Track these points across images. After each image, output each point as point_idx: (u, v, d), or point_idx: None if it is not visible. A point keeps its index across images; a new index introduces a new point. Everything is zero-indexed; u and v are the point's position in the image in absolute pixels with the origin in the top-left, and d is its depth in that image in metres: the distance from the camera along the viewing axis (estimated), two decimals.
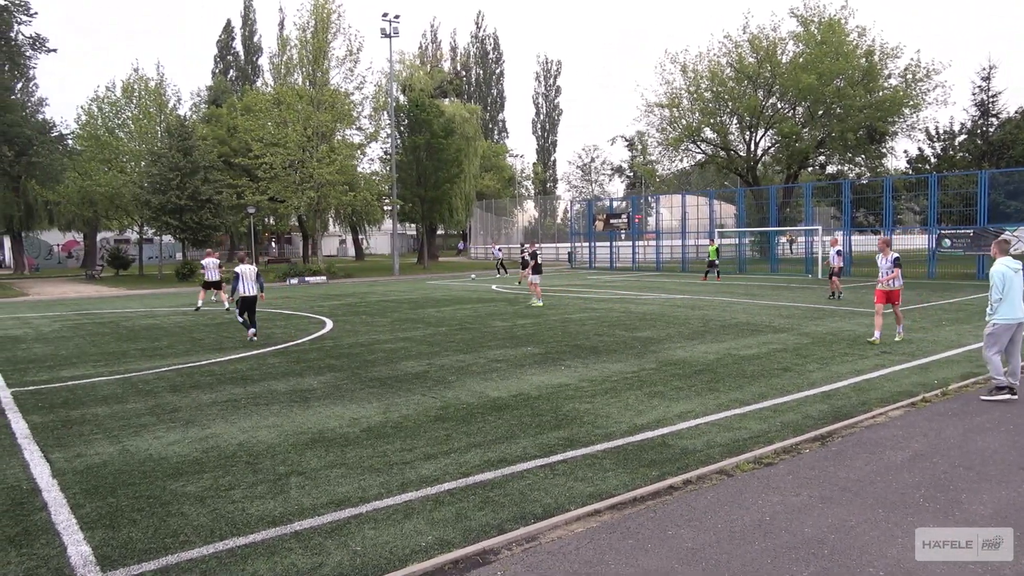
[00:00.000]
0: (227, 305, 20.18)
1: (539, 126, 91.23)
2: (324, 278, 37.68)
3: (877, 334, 12.40)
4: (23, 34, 37.75)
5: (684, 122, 43.65)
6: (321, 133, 40.23)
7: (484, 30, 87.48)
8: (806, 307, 18.47)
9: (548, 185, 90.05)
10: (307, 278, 37.27)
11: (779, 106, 42.20)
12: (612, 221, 44.41)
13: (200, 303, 21.91)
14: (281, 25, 70.18)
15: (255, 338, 14.22)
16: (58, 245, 61.90)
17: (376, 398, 8.92)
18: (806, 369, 10.18)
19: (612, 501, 5.36)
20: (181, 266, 39.61)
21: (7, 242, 58.35)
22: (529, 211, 74.68)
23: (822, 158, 44.38)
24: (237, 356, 12.46)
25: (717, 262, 30.86)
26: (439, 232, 70.92)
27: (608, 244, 44.91)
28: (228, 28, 75.74)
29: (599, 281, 31.52)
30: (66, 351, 13.60)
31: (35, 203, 46.79)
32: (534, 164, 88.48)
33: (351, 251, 76.87)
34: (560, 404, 8.36)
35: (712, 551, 4.53)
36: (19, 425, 7.98)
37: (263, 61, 72.88)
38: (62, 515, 5.29)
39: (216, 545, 4.73)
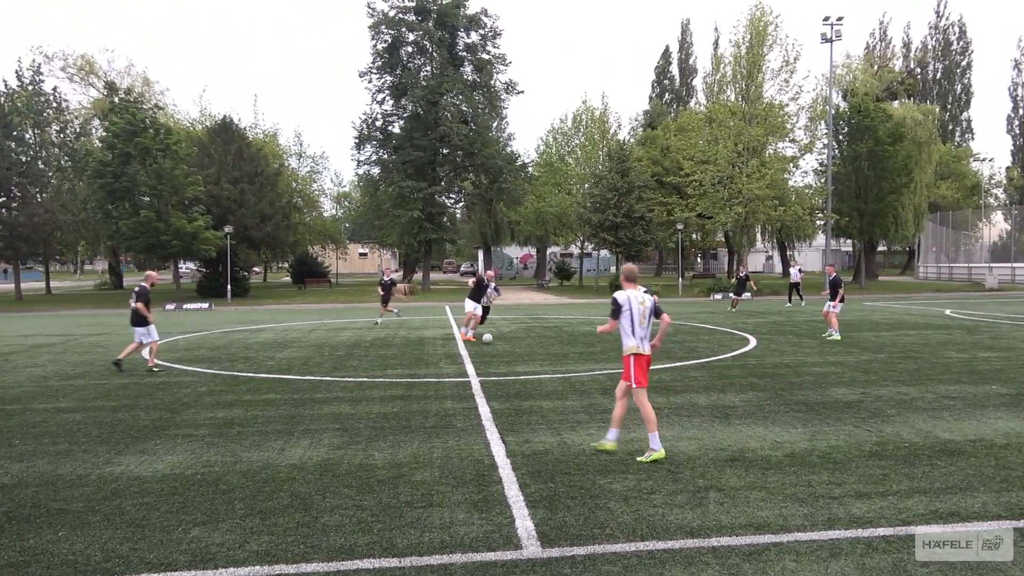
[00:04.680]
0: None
1: (1017, 123, 76.25)
2: (749, 295, 37.04)
3: None
4: (500, 81, 44.91)
5: None
6: (752, 148, 39.70)
7: (946, 18, 76.58)
8: None
9: None
10: (731, 294, 37.02)
11: None
12: None
13: None
14: (716, 44, 71.18)
15: None
16: (517, 258, 72.15)
17: (801, 423, 8.42)
18: None
19: None
20: (615, 278, 42.87)
21: (480, 255, 70.14)
22: (998, 224, 62.85)
23: None
24: (661, 367, 12.95)
25: None
26: (881, 249, 64.17)
27: None
28: (666, 54, 79.55)
29: None
30: (520, 349, 15.73)
31: (502, 222, 55.36)
32: (1008, 168, 74.18)
33: (778, 267, 74.19)
34: None
35: None
36: (484, 409, 9.46)
37: (697, 82, 74.86)
38: (512, 491, 6.10)
39: (637, 544, 4.96)
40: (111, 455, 7.39)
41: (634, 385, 7.06)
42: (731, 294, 28.94)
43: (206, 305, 34.85)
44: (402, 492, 6.09)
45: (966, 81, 74.90)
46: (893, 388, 10.57)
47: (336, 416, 9.13)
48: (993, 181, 72.27)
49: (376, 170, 46.00)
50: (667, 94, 78.50)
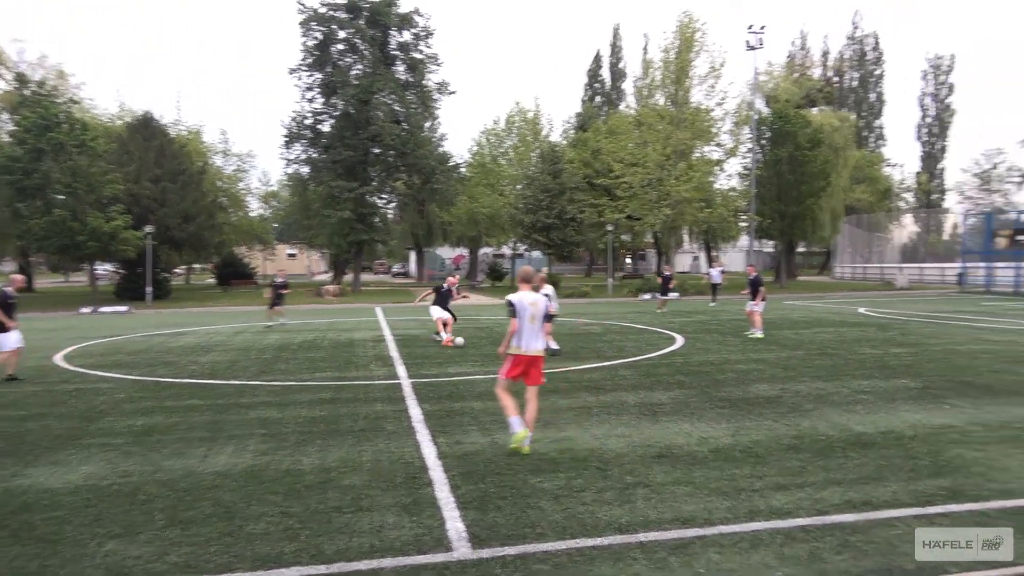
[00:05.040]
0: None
1: (925, 130, 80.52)
2: (678, 294, 37.88)
3: None
4: (432, 81, 44.68)
5: None
6: (680, 151, 40.65)
7: (861, 30, 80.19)
8: None
9: (934, 197, 78.95)
10: (657, 295, 37.81)
11: None
12: (1020, 237, 37.33)
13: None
14: (645, 49, 72.59)
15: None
16: (449, 259, 71.96)
17: (725, 419, 8.67)
18: None
19: (1015, 571, 4.47)
20: (546, 279, 43.24)
21: (413, 256, 69.69)
22: (908, 226, 66.15)
23: None
24: (591, 366, 13.14)
25: None
26: (800, 249, 66.64)
27: (1014, 265, 37.84)
28: (597, 58, 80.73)
29: (998, 308, 26.67)
30: (452, 350, 15.69)
31: (434, 223, 55.11)
32: (917, 173, 78.19)
33: (703, 267, 76.19)
34: (941, 448, 7.24)
35: None
36: (415, 411, 9.40)
37: (627, 85, 76.33)
38: (443, 492, 6.09)
39: (568, 542, 5.01)
40: (19, 467, 7.02)
41: (501, 376, 7.54)
42: (658, 295, 29.62)
43: (124, 308, 33.43)
44: (331, 497, 6.00)
45: (879, 90, 78.68)
46: (810, 384, 11.00)
47: (262, 421, 8.92)
48: (903, 186, 76.08)
49: (305, 169, 45.09)
50: (598, 97, 79.67)
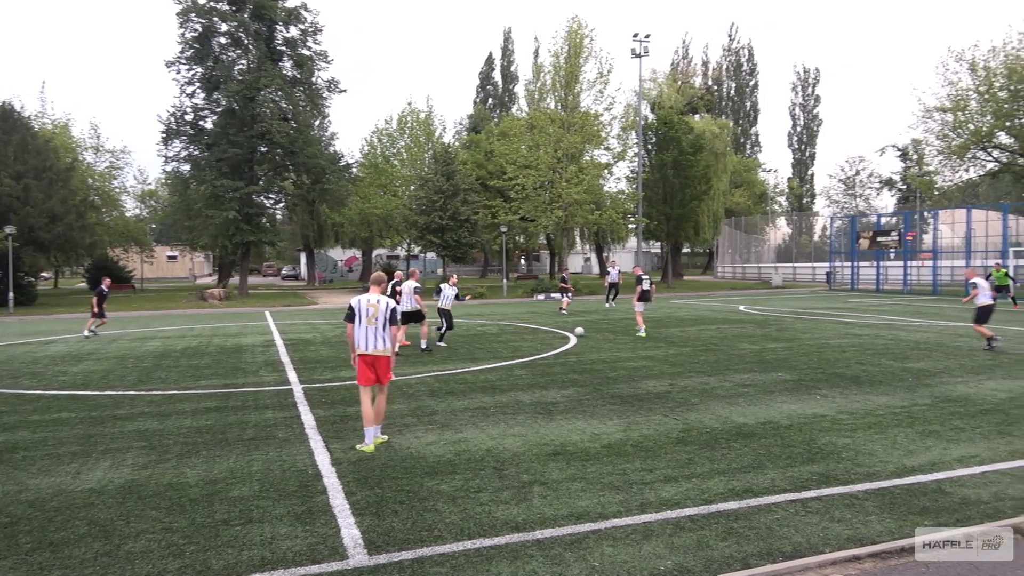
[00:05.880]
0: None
1: (795, 138, 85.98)
2: (570, 294, 38.61)
3: None
4: (322, 79, 43.56)
5: (971, 127, 38.56)
6: (571, 154, 41.49)
7: (737, 42, 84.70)
8: None
9: (804, 200, 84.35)
10: (553, 294, 38.50)
11: None
12: (879, 239, 40.43)
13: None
14: (536, 53, 73.73)
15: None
16: (341, 261, 70.45)
17: (617, 415, 8.93)
18: None
19: (875, 548, 4.83)
20: (440, 280, 43.11)
21: (303, 257, 67.77)
22: (782, 228, 70.38)
23: None
24: (488, 367, 13.20)
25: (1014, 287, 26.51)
26: (685, 251, 69.54)
27: (874, 264, 40.92)
28: (489, 60, 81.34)
29: (862, 304, 28.78)
30: (345, 354, 15.35)
31: (325, 224, 53.75)
32: (789, 179, 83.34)
33: (595, 268, 78.14)
34: (814, 436, 7.74)
35: None
36: (307, 417, 9.15)
37: (519, 88, 77.20)
38: (338, 500, 5.95)
39: (465, 543, 5.02)
40: None
41: (358, 381, 7.71)
42: (557, 295, 30.26)
43: None
44: (218, 510, 5.75)
45: (754, 99, 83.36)
46: (696, 378, 11.50)
47: (141, 433, 8.42)
48: (777, 190, 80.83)
49: (186, 167, 42.93)
50: (491, 99, 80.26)
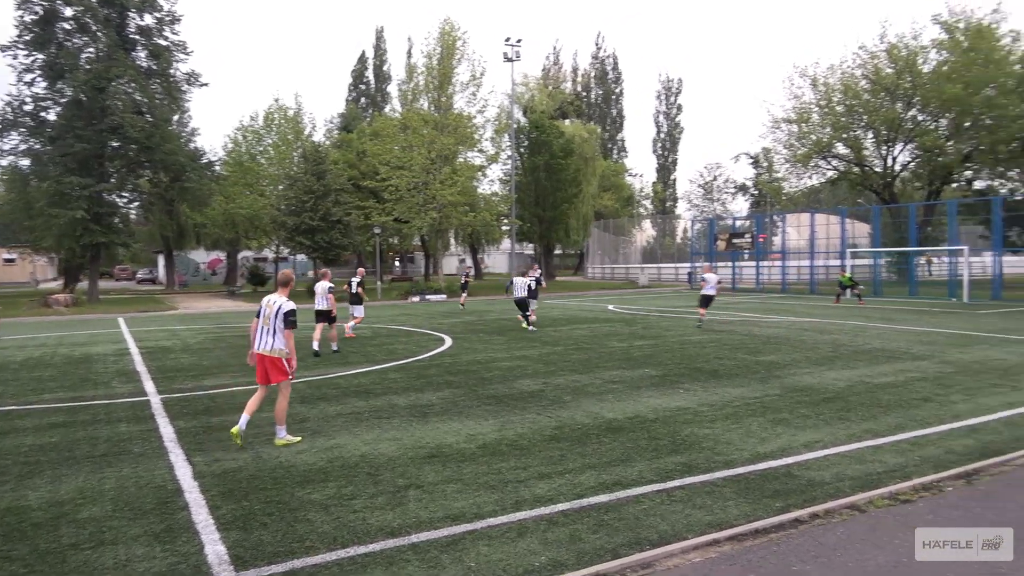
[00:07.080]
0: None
1: (659, 145, 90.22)
2: (444, 296, 38.67)
3: None
4: (180, 71, 41.16)
5: (813, 137, 41.92)
6: (444, 156, 41.48)
7: (604, 51, 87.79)
8: (950, 333, 17.14)
9: (668, 204, 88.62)
10: (428, 296, 38.36)
11: (919, 118, 39.68)
12: (735, 240, 43.07)
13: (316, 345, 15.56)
14: (409, 54, 73.10)
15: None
16: (204, 263, 66.91)
17: (492, 415, 9.01)
18: (949, 400, 9.43)
19: (732, 532, 5.15)
20: (312, 284, 41.89)
21: (161, 260, 63.84)
22: (647, 230, 73.59)
23: (968, 173, 41.28)
24: (361, 370, 12.97)
25: (861, 287, 28.75)
26: (557, 252, 71.18)
27: (730, 264, 43.54)
28: (362, 59, 79.80)
29: (720, 302, 30.53)
30: (208, 361, 14.63)
31: (186, 225, 50.88)
32: (654, 183, 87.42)
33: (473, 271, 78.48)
34: (678, 428, 8.14)
35: None
36: (166, 429, 8.63)
37: (392, 88, 76.26)
38: (201, 515, 5.66)
39: (339, 552, 4.91)
40: None
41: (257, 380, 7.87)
42: (465, 295, 30.81)
43: None
44: (64, 534, 5.31)
45: (620, 106, 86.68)
46: (569, 377, 11.81)
47: None
48: (643, 193, 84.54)
49: (26, 162, 39.37)
50: (364, 98, 78.80)
